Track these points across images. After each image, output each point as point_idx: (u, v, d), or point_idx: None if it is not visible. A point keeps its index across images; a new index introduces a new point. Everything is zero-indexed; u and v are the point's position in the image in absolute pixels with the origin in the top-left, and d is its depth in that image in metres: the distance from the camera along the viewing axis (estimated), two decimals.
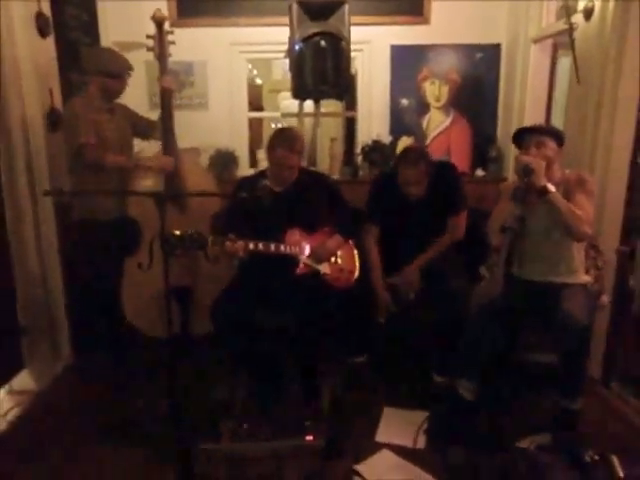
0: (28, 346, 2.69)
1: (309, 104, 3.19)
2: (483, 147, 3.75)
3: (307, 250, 2.53)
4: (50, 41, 2.77)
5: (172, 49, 2.78)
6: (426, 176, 2.60)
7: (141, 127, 2.86)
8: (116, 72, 2.62)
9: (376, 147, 3.66)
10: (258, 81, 6.41)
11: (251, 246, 2.30)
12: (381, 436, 2.24)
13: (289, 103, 4.05)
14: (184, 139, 2.96)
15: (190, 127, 3.43)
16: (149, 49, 2.72)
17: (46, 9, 2.71)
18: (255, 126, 4.45)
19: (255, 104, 5.72)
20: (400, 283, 2.65)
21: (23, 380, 2.65)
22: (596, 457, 1.69)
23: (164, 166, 2.68)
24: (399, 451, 2.13)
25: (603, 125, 2.53)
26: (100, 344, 2.82)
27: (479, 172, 3.73)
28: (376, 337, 2.79)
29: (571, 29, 2.70)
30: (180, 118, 2.92)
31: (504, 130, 3.69)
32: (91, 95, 2.61)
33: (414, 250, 2.67)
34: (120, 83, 2.67)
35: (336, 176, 3.68)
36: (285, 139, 2.44)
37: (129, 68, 2.69)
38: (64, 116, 2.62)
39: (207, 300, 2.50)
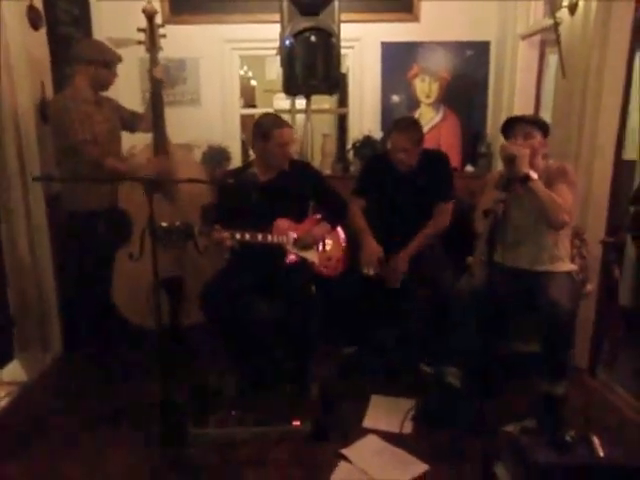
0: (18, 337, 2.70)
1: (302, 102, 3.22)
2: (473, 143, 3.79)
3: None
4: (42, 34, 2.80)
5: (165, 46, 2.80)
6: (416, 146, 2.62)
7: (127, 119, 2.88)
8: (108, 60, 2.66)
9: (367, 143, 3.69)
10: (253, 82, 6.47)
11: (238, 236, 2.31)
12: (368, 422, 2.25)
13: (282, 102, 4.09)
14: (176, 135, 2.98)
15: (182, 123, 3.46)
16: (140, 42, 2.74)
17: (38, 3, 2.73)
18: (248, 123, 4.48)
19: (249, 102, 5.78)
20: (388, 271, 2.65)
21: (13, 370, 2.66)
22: (576, 437, 1.71)
23: (159, 169, 2.67)
24: (386, 436, 2.15)
25: (588, 118, 2.55)
26: (90, 335, 2.82)
27: (469, 168, 3.76)
28: (366, 326, 2.81)
29: (556, 24, 2.74)
30: (172, 114, 2.93)
31: (493, 126, 3.72)
32: (78, 87, 2.62)
33: (399, 228, 2.68)
34: (111, 73, 2.70)
35: (328, 172, 3.71)
36: (282, 121, 2.47)
37: (118, 59, 2.73)
38: (53, 110, 2.62)
39: (197, 290, 2.52)
